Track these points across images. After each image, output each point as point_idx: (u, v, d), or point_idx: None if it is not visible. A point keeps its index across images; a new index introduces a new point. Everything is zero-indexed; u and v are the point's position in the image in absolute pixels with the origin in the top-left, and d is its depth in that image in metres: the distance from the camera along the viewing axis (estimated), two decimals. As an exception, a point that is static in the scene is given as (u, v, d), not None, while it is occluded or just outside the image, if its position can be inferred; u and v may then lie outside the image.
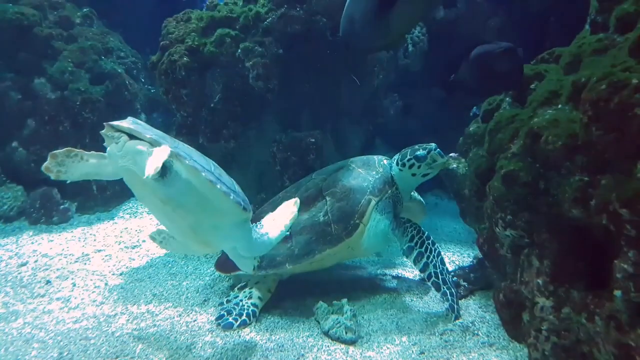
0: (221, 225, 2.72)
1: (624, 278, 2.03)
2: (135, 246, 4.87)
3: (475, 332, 3.15)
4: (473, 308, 3.48)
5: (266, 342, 3.12)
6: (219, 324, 3.30)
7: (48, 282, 3.99)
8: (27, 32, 5.82)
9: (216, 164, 2.76)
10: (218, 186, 2.53)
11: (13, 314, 3.43)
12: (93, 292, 3.83)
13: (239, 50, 4.66)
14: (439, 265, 3.44)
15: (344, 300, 3.34)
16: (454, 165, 4.00)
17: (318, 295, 3.58)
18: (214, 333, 3.23)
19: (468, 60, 3.31)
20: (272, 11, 4.63)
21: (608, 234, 2.16)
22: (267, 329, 3.31)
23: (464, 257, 4.58)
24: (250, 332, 3.27)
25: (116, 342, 3.08)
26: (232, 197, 2.58)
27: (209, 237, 2.75)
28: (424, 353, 2.95)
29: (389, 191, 3.64)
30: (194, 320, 3.40)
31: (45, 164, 2.61)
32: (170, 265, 4.40)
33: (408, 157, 3.61)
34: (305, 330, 3.28)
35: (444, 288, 3.38)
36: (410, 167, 3.61)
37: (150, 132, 2.52)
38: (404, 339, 3.13)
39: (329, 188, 3.69)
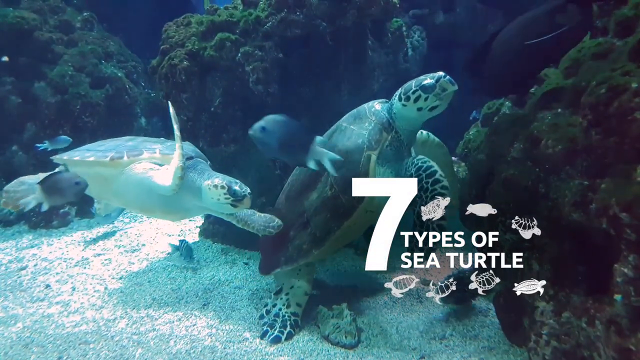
0: (124, 186, 2.92)
1: (624, 282, 2.03)
2: (134, 250, 4.87)
3: (476, 336, 3.15)
4: (473, 312, 3.47)
5: (266, 347, 3.12)
6: (265, 340, 3.21)
7: (47, 286, 3.98)
8: (27, 36, 5.84)
9: (119, 139, 3.13)
10: (76, 158, 2.90)
11: (12, 318, 3.42)
12: (92, 296, 3.82)
13: (239, 55, 4.67)
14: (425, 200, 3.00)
15: (344, 305, 3.33)
16: (454, 169, 4.00)
17: (318, 299, 3.57)
18: (213, 337, 3.22)
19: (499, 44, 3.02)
20: (272, 15, 4.64)
21: (608, 238, 2.16)
22: (266, 333, 3.30)
23: (464, 260, 4.55)
24: (250, 336, 3.26)
25: (115, 346, 3.07)
26: (95, 157, 2.82)
27: (141, 201, 3.02)
28: (424, 357, 2.94)
29: (389, 137, 3.25)
30: (194, 325, 3.39)
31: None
32: (169, 269, 4.39)
33: (413, 88, 3.16)
34: (305, 335, 3.28)
35: (420, 229, 2.97)
36: (416, 100, 3.16)
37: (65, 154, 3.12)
38: (404, 343, 3.13)
39: None
